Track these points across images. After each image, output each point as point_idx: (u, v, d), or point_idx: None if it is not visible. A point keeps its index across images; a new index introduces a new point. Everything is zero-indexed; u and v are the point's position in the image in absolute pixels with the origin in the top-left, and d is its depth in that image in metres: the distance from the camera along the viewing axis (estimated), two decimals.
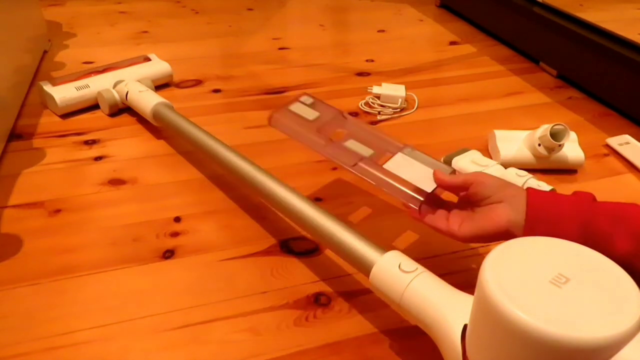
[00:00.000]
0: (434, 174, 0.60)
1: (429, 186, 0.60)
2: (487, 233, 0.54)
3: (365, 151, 0.65)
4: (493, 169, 0.82)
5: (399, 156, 0.65)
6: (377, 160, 0.64)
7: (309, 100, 0.73)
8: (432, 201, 0.60)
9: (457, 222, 0.57)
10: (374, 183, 0.62)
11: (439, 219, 0.58)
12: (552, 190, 0.77)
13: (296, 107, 0.71)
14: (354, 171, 0.63)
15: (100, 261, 0.68)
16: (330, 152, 0.66)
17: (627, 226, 0.48)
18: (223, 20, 1.56)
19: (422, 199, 0.58)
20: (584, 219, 0.50)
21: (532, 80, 1.22)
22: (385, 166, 0.63)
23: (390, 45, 1.43)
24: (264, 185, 0.67)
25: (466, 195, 0.57)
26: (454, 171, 0.62)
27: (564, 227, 0.50)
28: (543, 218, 0.51)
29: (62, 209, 0.77)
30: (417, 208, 0.58)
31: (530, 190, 0.54)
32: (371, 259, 0.54)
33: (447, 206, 0.61)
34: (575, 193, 0.54)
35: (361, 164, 0.63)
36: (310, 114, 0.70)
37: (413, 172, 0.62)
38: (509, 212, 0.53)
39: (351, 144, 0.67)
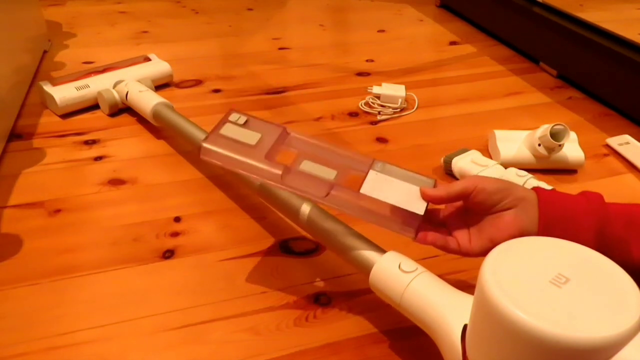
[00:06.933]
0: (423, 193, 0.53)
1: (419, 206, 0.53)
2: (500, 243, 0.50)
3: (328, 173, 0.56)
4: (493, 169, 0.82)
5: (372, 175, 0.55)
6: (344, 182, 0.55)
7: (242, 119, 0.60)
8: (427, 219, 0.54)
9: (466, 238, 0.52)
10: (353, 214, 0.54)
11: (447, 239, 0.53)
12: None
13: (229, 130, 0.58)
14: (326, 203, 0.54)
15: (100, 261, 0.68)
16: (291, 183, 0.55)
17: None
18: (223, 20, 1.56)
19: (416, 225, 0.52)
20: (599, 224, 0.48)
21: (532, 80, 1.22)
22: (362, 191, 0.53)
23: (390, 45, 1.43)
24: (264, 185, 0.67)
25: (468, 205, 0.53)
26: (435, 182, 0.56)
27: (580, 234, 0.47)
28: (557, 225, 0.48)
29: (62, 209, 0.77)
30: (412, 235, 0.52)
31: (540, 194, 0.50)
32: (371, 259, 0.54)
33: (444, 219, 0.56)
34: (585, 194, 0.51)
35: (334, 193, 0.54)
36: (251, 137, 0.58)
37: (395, 192, 0.53)
38: (520, 221, 0.49)
39: (309, 167, 0.56)
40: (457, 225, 0.54)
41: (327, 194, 0.54)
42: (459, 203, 0.54)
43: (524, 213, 0.49)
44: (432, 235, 0.52)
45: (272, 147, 0.57)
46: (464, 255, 0.53)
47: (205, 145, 0.56)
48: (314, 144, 0.60)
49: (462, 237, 0.53)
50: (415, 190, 0.54)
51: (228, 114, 0.60)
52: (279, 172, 0.54)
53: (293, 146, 0.60)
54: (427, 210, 0.53)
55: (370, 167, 0.56)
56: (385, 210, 0.53)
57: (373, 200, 0.53)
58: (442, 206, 0.56)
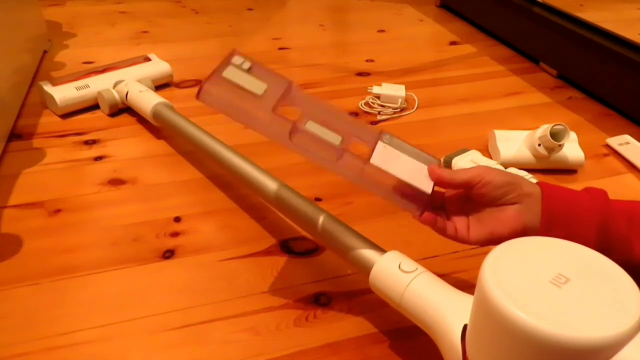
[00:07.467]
0: (430, 171, 0.52)
1: (426, 185, 0.51)
2: (501, 237, 0.49)
3: (333, 138, 0.52)
4: None
5: (381, 147, 0.53)
6: (349, 149, 0.53)
7: (246, 64, 0.54)
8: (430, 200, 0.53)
9: (464, 225, 0.52)
10: (359, 183, 0.52)
11: (446, 222, 0.52)
12: None
13: (233, 74, 0.53)
14: (335, 168, 0.51)
15: (100, 261, 0.68)
16: (299, 143, 0.51)
17: None
18: (223, 20, 1.56)
19: (423, 203, 0.51)
20: (601, 222, 0.47)
21: (532, 80, 1.22)
22: (373, 161, 0.51)
23: (390, 45, 1.43)
24: (264, 185, 0.67)
25: (471, 194, 0.51)
26: (440, 163, 0.55)
27: (581, 230, 0.47)
28: (559, 223, 0.48)
29: (62, 209, 0.77)
30: (417, 212, 0.51)
31: (544, 189, 0.49)
32: (371, 259, 0.54)
33: (445, 202, 0.55)
34: (588, 190, 0.50)
35: (345, 158, 0.51)
36: (257, 86, 0.52)
37: (403, 167, 0.52)
38: (524, 216, 0.48)
39: (313, 128, 0.52)
40: (456, 210, 0.53)
41: (339, 159, 0.51)
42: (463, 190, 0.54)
43: (528, 209, 0.49)
44: (433, 217, 0.52)
45: (279, 101, 0.52)
46: (458, 242, 0.52)
47: (206, 87, 0.51)
48: (319, 105, 0.55)
49: (460, 224, 0.52)
50: (422, 168, 0.53)
51: (230, 55, 0.54)
52: (288, 129, 0.50)
53: (297, 104, 0.55)
54: (433, 189, 0.52)
55: (379, 138, 0.54)
56: (392, 183, 0.52)
57: (382, 172, 0.51)
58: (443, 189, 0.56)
